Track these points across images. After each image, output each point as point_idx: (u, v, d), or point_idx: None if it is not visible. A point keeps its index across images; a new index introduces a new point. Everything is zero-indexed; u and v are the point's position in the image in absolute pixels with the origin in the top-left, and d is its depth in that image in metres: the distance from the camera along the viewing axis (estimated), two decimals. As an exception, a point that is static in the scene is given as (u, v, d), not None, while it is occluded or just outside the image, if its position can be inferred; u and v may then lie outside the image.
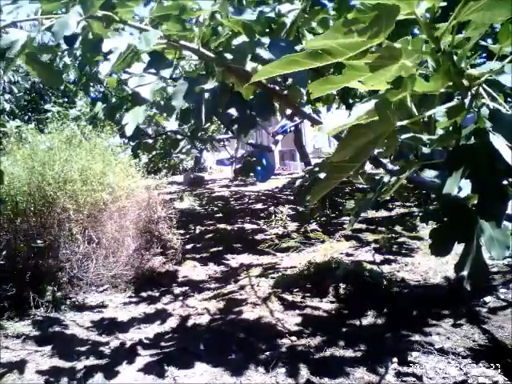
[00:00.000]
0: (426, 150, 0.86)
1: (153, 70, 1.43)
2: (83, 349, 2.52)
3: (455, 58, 0.80)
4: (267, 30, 1.58)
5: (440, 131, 0.91)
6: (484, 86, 0.82)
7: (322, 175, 2.44)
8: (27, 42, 1.26)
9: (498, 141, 0.75)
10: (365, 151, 0.82)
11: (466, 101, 0.81)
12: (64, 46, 1.45)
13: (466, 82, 0.80)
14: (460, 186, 0.82)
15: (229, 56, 1.51)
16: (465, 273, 0.83)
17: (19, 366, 2.35)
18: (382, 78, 0.78)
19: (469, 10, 0.74)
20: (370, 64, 0.76)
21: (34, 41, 1.32)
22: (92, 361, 2.37)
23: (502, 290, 2.96)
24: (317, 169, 2.42)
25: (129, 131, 1.61)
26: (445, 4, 0.75)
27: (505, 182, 0.81)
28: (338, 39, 0.74)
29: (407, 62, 0.76)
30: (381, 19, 0.72)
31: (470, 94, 0.81)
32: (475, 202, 0.83)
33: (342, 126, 0.80)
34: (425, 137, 0.84)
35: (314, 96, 0.82)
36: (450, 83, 0.80)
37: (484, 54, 2.01)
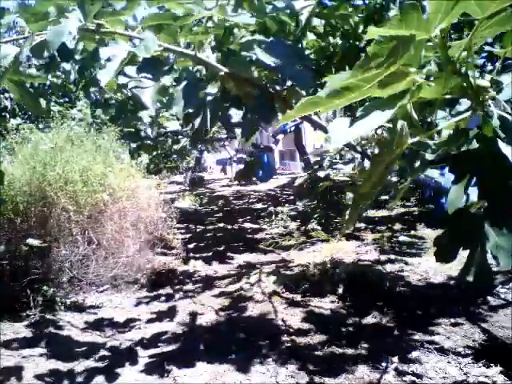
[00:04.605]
0: (429, 155, 0.85)
1: (149, 75, 1.42)
2: (82, 349, 2.52)
3: (465, 60, 0.80)
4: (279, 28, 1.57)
5: (443, 132, 0.91)
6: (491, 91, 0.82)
7: (322, 174, 2.45)
8: (18, 55, 1.26)
9: (506, 148, 0.75)
10: (384, 175, 0.84)
11: (475, 106, 0.81)
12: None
13: (475, 93, 0.80)
14: (467, 193, 0.82)
15: (232, 55, 1.50)
16: (470, 278, 0.83)
17: (18, 367, 2.35)
18: (390, 91, 0.78)
19: (483, 27, 0.75)
20: (379, 82, 0.76)
21: (23, 58, 1.31)
22: (92, 361, 2.38)
23: (503, 290, 2.96)
24: (316, 166, 2.43)
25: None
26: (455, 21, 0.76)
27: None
28: (357, 76, 0.75)
29: (417, 77, 0.76)
30: (398, 49, 0.72)
31: (481, 101, 0.81)
32: (479, 207, 0.83)
33: (348, 140, 0.81)
34: (430, 141, 0.84)
35: (322, 112, 0.83)
36: (454, 88, 0.80)
37: (484, 54, 2.01)
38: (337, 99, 0.78)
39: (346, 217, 0.95)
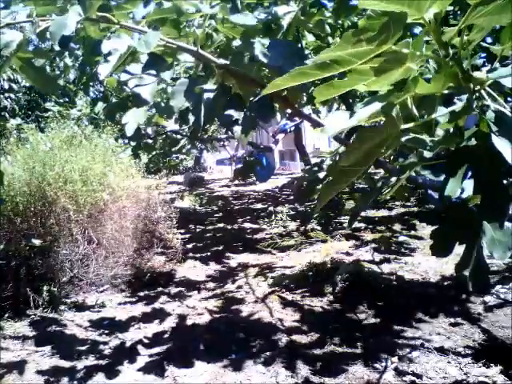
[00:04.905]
0: (427, 153, 0.86)
1: (152, 72, 1.42)
2: (83, 348, 2.52)
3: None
4: (266, 31, 1.58)
5: (440, 131, 0.91)
6: (487, 88, 0.82)
7: (322, 174, 2.44)
8: (23, 41, 1.26)
9: (500, 142, 0.75)
10: (371, 155, 0.82)
11: (470, 102, 0.81)
12: (57, 48, 1.44)
13: (471, 85, 0.80)
14: (463, 188, 0.82)
15: (224, 60, 1.51)
16: (466, 274, 0.83)
17: (19, 366, 2.35)
18: (386, 81, 0.78)
19: (477, 14, 0.74)
20: (375, 68, 0.76)
21: (28, 43, 1.32)
22: (92, 361, 2.38)
23: (503, 290, 2.96)
24: (316, 168, 2.42)
25: (129, 131, 1.60)
26: (450, 8, 0.76)
27: (506, 182, 0.81)
28: (347, 49, 0.75)
29: (412, 65, 0.76)
30: (389, 26, 0.72)
31: (474, 96, 0.81)
32: (476, 202, 0.83)
33: (344, 128, 0.80)
34: (427, 138, 0.84)
35: (318, 101, 0.82)
36: (452, 84, 0.80)
37: (483, 54, 2.01)
38: (326, 72, 0.78)
39: (320, 195, 0.92)
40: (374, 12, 0.76)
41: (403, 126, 0.78)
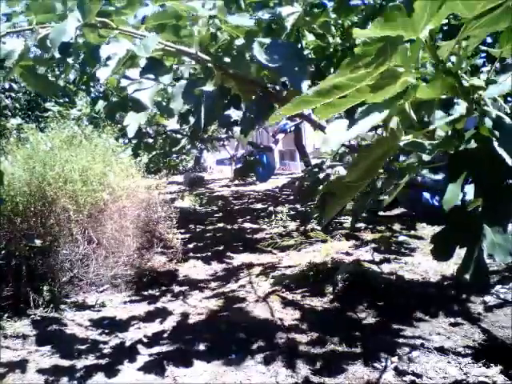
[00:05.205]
0: (425, 157, 0.86)
1: (151, 76, 1.43)
2: (83, 348, 2.53)
3: (455, 61, 0.80)
4: (268, 31, 1.58)
5: (439, 132, 0.91)
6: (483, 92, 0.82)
7: (322, 175, 2.44)
8: (24, 51, 1.27)
9: (500, 147, 0.75)
10: (374, 168, 0.83)
11: (468, 107, 0.81)
12: (57, 55, 1.45)
13: (469, 93, 0.81)
14: (464, 192, 0.82)
15: (227, 59, 1.51)
16: (467, 276, 0.83)
17: (20, 365, 2.35)
18: (384, 96, 0.78)
19: (472, 27, 0.75)
20: (372, 85, 0.77)
21: (29, 50, 1.32)
22: (92, 360, 2.38)
23: (503, 290, 2.96)
24: (316, 169, 2.43)
25: (131, 133, 1.61)
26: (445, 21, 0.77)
27: (508, 184, 0.81)
28: (346, 75, 0.75)
29: (409, 78, 0.77)
30: (386, 49, 0.73)
31: (472, 101, 0.81)
32: (477, 205, 0.83)
33: (345, 140, 0.81)
34: (425, 142, 0.84)
35: (321, 118, 0.83)
36: (446, 87, 0.80)
37: (483, 54, 2.01)
38: (327, 98, 0.79)
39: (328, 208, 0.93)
40: (369, 38, 0.77)
41: (403, 138, 0.78)
